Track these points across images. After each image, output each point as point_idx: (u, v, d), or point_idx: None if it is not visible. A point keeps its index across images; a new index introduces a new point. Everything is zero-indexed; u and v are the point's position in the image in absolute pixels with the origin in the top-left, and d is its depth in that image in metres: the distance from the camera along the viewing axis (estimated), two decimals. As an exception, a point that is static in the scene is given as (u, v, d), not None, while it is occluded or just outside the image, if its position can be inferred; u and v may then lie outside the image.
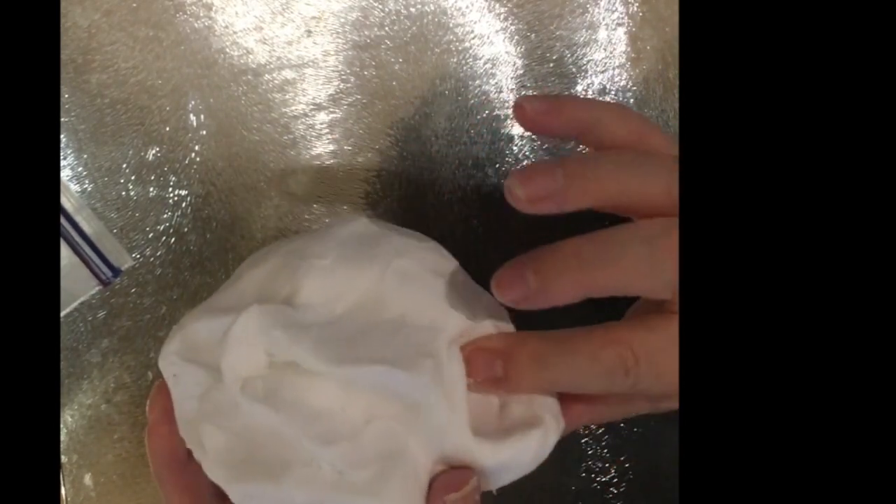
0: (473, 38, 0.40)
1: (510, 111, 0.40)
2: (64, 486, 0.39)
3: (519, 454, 0.29)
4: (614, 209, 0.29)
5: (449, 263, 0.32)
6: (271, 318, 0.28)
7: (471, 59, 0.40)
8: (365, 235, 0.32)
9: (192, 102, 0.39)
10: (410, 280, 0.30)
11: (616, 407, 0.31)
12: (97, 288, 0.38)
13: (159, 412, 0.31)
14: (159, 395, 0.31)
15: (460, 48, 0.40)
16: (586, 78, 0.40)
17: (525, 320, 0.30)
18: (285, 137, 0.39)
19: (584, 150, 0.40)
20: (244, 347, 0.28)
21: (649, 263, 0.27)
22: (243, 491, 0.28)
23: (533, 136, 0.40)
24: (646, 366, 0.28)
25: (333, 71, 0.39)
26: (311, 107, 0.39)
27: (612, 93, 0.40)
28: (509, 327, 0.31)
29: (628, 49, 0.40)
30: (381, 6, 0.39)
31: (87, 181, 0.39)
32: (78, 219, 0.38)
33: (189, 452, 0.30)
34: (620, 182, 0.29)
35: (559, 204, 0.28)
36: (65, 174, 0.38)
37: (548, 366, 0.28)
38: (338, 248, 0.31)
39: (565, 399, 0.30)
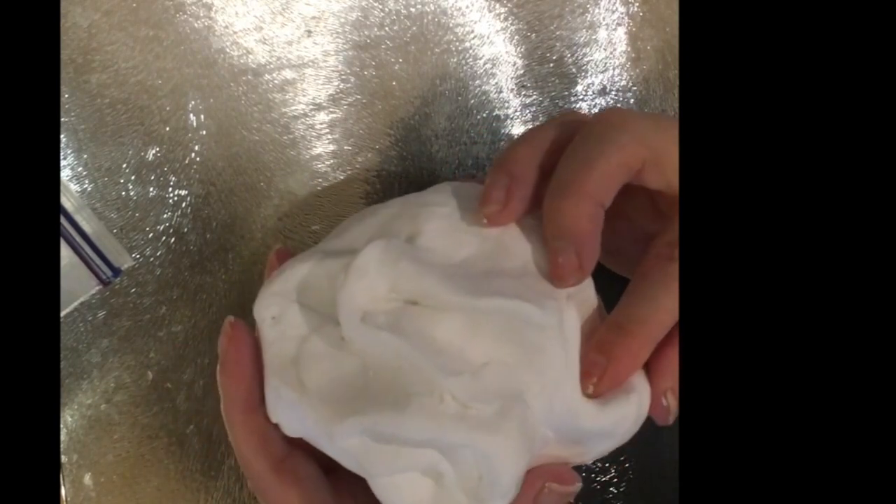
0: (473, 38, 0.40)
1: (510, 111, 0.40)
2: (64, 486, 0.39)
3: (620, 420, 0.29)
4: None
5: None
6: (397, 251, 0.28)
7: (471, 59, 0.40)
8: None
9: (192, 102, 0.39)
10: (532, 233, 0.30)
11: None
12: (97, 288, 0.38)
13: (238, 351, 0.30)
14: (237, 332, 0.30)
15: (460, 48, 0.40)
16: (586, 78, 0.40)
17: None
18: (285, 137, 0.39)
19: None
20: (366, 280, 0.28)
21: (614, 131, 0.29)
22: (357, 423, 0.27)
23: (533, 136, 0.40)
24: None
25: (333, 71, 0.39)
26: (311, 107, 0.39)
27: (613, 93, 0.40)
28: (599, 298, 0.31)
29: (628, 49, 0.40)
30: (381, 6, 0.39)
31: (87, 181, 0.39)
32: (78, 219, 0.38)
33: (261, 399, 0.29)
34: (541, 138, 0.30)
35: (519, 186, 0.30)
36: (65, 174, 0.38)
37: (631, 332, 0.28)
38: (457, 199, 0.31)
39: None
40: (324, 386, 0.28)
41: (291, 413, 0.29)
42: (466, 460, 0.27)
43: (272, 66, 0.39)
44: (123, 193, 0.39)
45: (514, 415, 0.27)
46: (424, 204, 0.31)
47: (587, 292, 0.30)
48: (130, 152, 0.39)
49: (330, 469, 0.30)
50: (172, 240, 0.39)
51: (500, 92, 0.40)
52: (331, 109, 0.40)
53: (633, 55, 0.40)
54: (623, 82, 0.40)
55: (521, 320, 0.27)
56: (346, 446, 0.28)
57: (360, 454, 0.28)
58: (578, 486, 0.29)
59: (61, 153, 0.38)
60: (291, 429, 0.29)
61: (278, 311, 0.30)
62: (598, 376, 0.28)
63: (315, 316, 0.29)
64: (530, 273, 0.29)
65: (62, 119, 0.38)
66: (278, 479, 0.30)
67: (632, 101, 0.40)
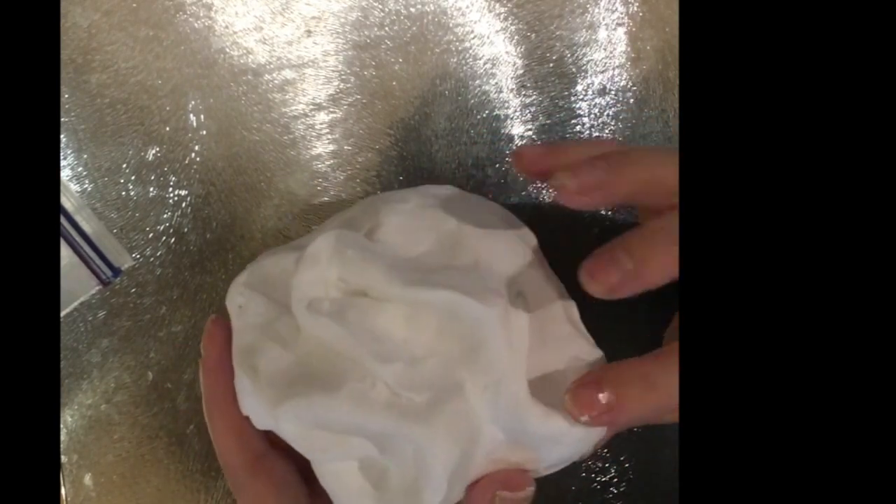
0: (473, 38, 0.40)
1: (510, 111, 0.40)
2: (64, 486, 0.39)
3: (567, 430, 0.28)
4: (647, 196, 0.29)
5: (529, 234, 0.32)
6: (346, 241, 0.28)
7: (471, 59, 0.40)
8: (450, 196, 0.33)
9: (192, 102, 0.39)
10: (488, 233, 0.30)
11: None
12: (97, 288, 0.38)
13: (217, 347, 0.30)
14: (216, 328, 0.31)
15: (460, 48, 0.40)
16: (586, 78, 0.40)
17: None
18: (285, 137, 0.39)
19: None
20: (317, 267, 0.28)
21: None
22: (293, 407, 0.27)
23: (533, 136, 0.40)
24: None
25: (333, 71, 0.39)
26: (311, 107, 0.39)
27: (612, 93, 0.40)
28: (570, 299, 0.31)
29: (628, 49, 0.40)
30: (381, 6, 0.39)
31: (87, 181, 0.39)
32: (78, 219, 0.38)
33: None
34: (654, 170, 0.29)
35: (607, 194, 0.28)
36: (65, 174, 0.38)
37: (656, 386, 0.27)
38: (422, 198, 0.31)
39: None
40: (273, 372, 0.28)
41: (251, 401, 0.29)
42: (404, 453, 0.27)
43: (272, 66, 0.39)
44: (123, 193, 0.39)
45: (446, 406, 0.27)
46: (388, 200, 0.31)
47: (546, 293, 0.30)
48: (130, 152, 0.39)
49: (310, 475, 0.30)
50: (172, 240, 0.39)
51: (500, 92, 0.40)
52: (331, 109, 0.40)
53: (633, 55, 0.40)
54: (623, 82, 0.40)
55: (461, 313, 0.27)
56: (285, 430, 0.28)
57: (297, 439, 0.28)
58: (530, 490, 0.28)
59: (61, 153, 0.38)
60: (258, 420, 0.29)
61: (244, 300, 0.30)
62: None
63: (275, 306, 0.30)
64: (481, 269, 0.29)
65: (62, 119, 0.38)
66: (253, 476, 0.30)
67: (631, 101, 0.40)
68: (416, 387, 0.27)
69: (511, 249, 0.30)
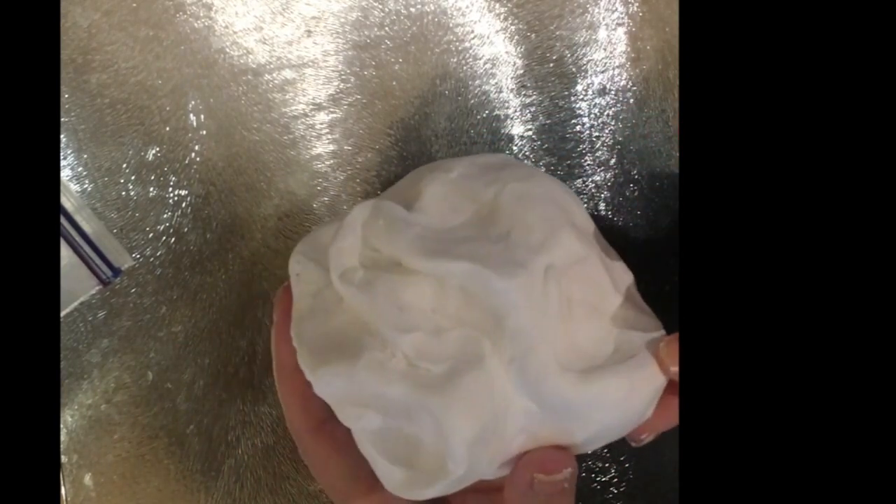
0: (473, 38, 0.40)
1: (510, 111, 0.40)
2: (64, 486, 0.39)
3: (605, 390, 0.28)
4: None
5: (578, 207, 0.32)
6: (379, 211, 0.29)
7: (471, 59, 0.40)
8: (498, 163, 0.32)
9: (192, 102, 0.39)
10: (526, 202, 0.30)
11: None
12: (97, 288, 0.38)
13: (286, 314, 0.31)
14: (286, 295, 0.32)
15: (460, 48, 0.40)
16: (586, 78, 0.40)
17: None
18: (285, 137, 0.39)
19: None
20: (350, 239, 0.29)
21: None
22: (322, 374, 0.28)
23: (533, 136, 0.40)
24: None
25: (333, 71, 0.39)
26: (311, 107, 0.39)
27: (612, 93, 0.40)
28: (628, 274, 0.31)
29: (628, 49, 0.40)
30: (381, 6, 0.39)
31: (87, 181, 0.39)
32: (78, 219, 0.38)
33: None
34: None
35: None
36: (65, 174, 0.38)
37: None
38: (468, 167, 0.31)
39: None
40: (313, 338, 0.29)
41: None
42: (428, 425, 0.27)
43: (272, 66, 0.39)
44: (123, 193, 0.39)
45: (463, 377, 0.27)
46: (433, 169, 0.31)
47: (588, 265, 0.30)
48: (130, 152, 0.39)
49: None
50: (172, 240, 0.39)
51: (500, 92, 0.40)
52: (331, 109, 0.40)
53: (633, 55, 0.40)
54: (623, 82, 0.40)
55: (480, 285, 0.27)
56: (324, 396, 0.28)
57: (332, 405, 0.29)
58: (568, 471, 0.28)
59: (61, 153, 0.38)
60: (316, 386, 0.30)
61: (300, 268, 0.31)
62: None
63: (326, 274, 0.30)
64: (510, 239, 0.29)
65: (62, 119, 0.38)
66: (315, 440, 0.31)
67: (631, 101, 0.40)
68: (435, 358, 0.27)
69: (546, 219, 0.30)
